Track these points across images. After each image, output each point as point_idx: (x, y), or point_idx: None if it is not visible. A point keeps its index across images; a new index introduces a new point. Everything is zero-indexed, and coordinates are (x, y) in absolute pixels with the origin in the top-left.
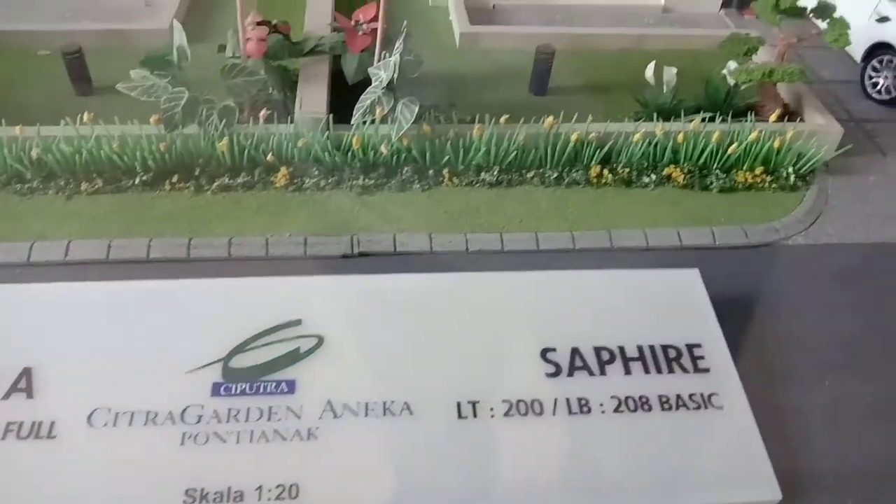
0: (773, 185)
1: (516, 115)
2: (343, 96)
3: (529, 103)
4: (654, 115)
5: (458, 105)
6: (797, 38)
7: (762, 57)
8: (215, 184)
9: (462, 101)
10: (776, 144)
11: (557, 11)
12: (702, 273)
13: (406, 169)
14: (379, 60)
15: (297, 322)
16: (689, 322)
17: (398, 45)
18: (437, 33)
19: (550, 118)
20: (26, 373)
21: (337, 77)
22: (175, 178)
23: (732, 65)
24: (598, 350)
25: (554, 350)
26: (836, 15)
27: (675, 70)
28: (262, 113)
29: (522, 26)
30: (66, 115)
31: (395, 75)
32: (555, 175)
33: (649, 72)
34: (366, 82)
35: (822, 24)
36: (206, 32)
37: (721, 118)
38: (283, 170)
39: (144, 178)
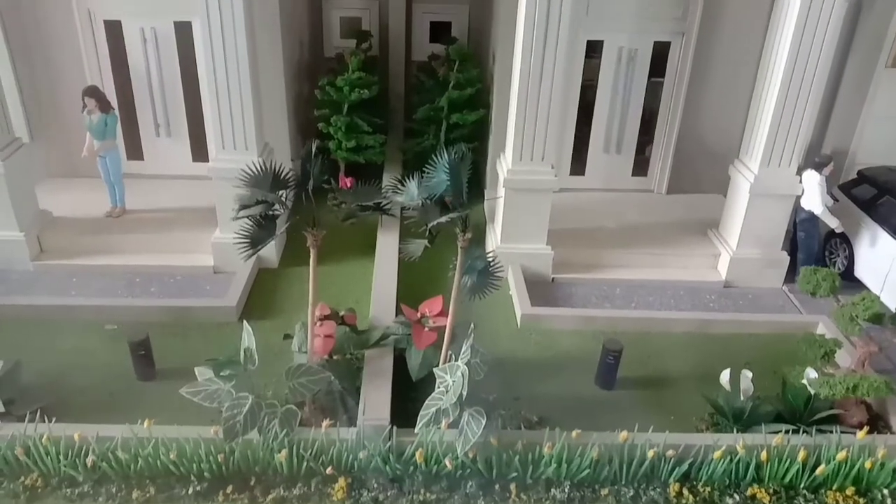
0: None
1: (583, 411)
2: (407, 388)
3: (596, 398)
4: (731, 422)
5: (522, 397)
6: (878, 346)
7: (841, 356)
8: (270, 496)
9: (526, 391)
10: (867, 465)
11: (617, 285)
12: None
13: (470, 483)
14: (445, 361)
15: None
16: None
17: (465, 349)
18: (497, 309)
19: (625, 433)
20: None
21: (400, 362)
22: (229, 489)
23: (812, 373)
24: None
25: None
26: None
27: (751, 375)
28: (326, 423)
29: (584, 309)
30: (126, 404)
31: (465, 392)
32: (631, 493)
33: (724, 378)
34: (431, 376)
35: None
36: (270, 309)
37: (804, 429)
38: (342, 482)
39: (198, 487)
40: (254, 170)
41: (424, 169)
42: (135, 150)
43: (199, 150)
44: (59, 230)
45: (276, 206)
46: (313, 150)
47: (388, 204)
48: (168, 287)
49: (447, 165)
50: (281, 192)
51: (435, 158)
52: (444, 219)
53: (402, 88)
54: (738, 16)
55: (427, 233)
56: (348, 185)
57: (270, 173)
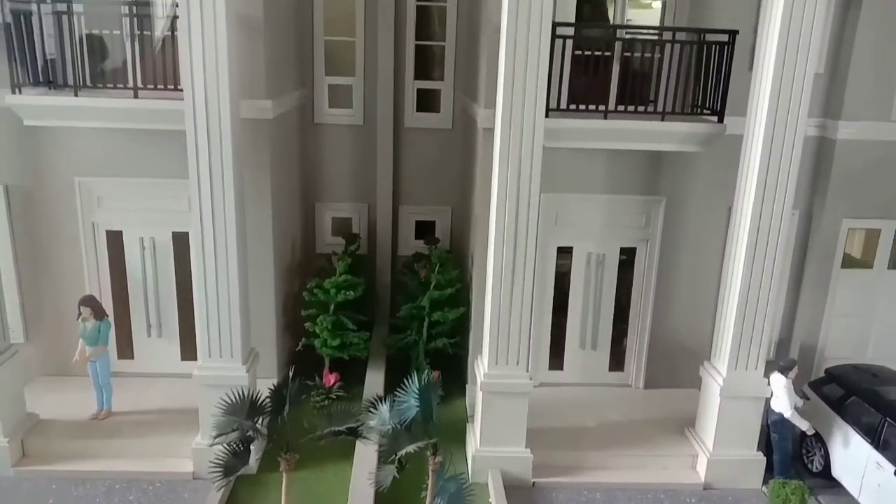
0: None
1: None
2: None
3: None
4: None
5: None
6: None
7: None
8: None
9: None
10: None
11: (597, 489)
12: None
13: None
14: None
15: None
16: None
17: None
18: None
19: None
20: None
21: None
22: None
23: None
24: None
25: None
26: None
27: None
28: None
29: None
30: None
31: None
32: None
33: None
34: None
35: None
36: None
37: None
38: None
39: None
40: (232, 397)
41: (401, 388)
42: (126, 349)
43: (188, 350)
44: (44, 434)
45: (252, 432)
46: (290, 375)
47: (361, 426)
48: (147, 495)
49: (417, 391)
50: (258, 419)
51: (406, 382)
52: (411, 448)
53: (389, 280)
54: (698, 223)
55: (396, 461)
56: (332, 381)
57: (248, 401)
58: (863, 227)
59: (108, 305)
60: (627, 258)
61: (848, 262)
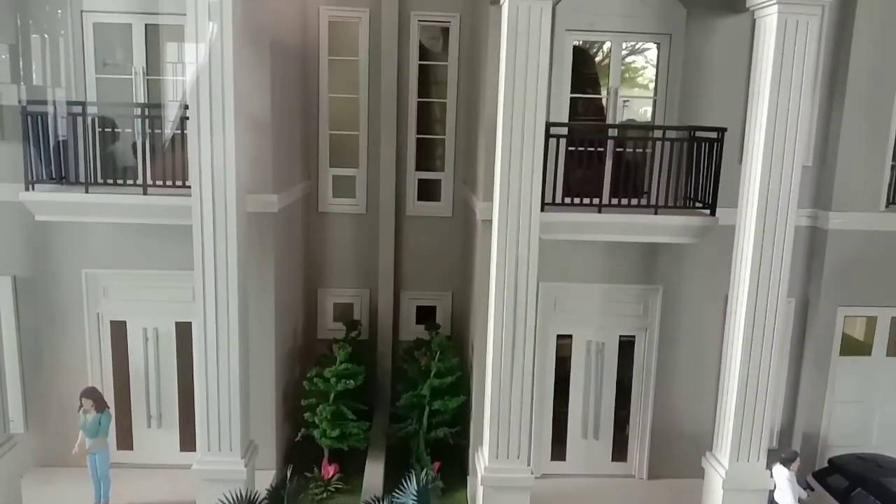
0: None
1: None
2: None
3: None
4: None
5: None
6: None
7: None
8: None
9: None
10: None
11: None
12: None
13: None
14: None
15: None
16: None
17: None
18: None
19: None
20: None
21: None
22: None
23: None
24: None
25: None
26: None
27: None
28: None
29: None
30: None
31: None
32: None
33: None
34: None
35: None
36: None
37: None
38: None
39: None
40: (230, 498)
41: (400, 489)
42: (125, 440)
43: (187, 440)
44: None
45: None
46: (289, 474)
47: None
48: None
49: (415, 493)
50: None
51: (405, 482)
52: None
53: (389, 365)
54: (696, 311)
55: None
56: (331, 473)
57: (246, 502)
58: (859, 314)
59: (109, 395)
60: (627, 345)
61: (849, 348)
